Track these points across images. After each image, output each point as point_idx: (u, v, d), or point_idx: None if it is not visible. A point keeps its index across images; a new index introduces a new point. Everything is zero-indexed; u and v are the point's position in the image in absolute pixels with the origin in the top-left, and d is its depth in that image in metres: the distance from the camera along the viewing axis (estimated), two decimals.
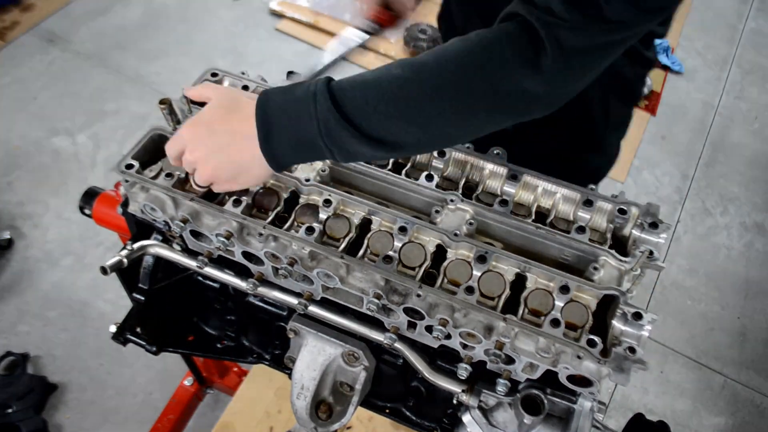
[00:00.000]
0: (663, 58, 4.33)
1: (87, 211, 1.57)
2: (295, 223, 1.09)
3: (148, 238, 1.25)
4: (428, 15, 4.39)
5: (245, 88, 1.27)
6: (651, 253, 1.02)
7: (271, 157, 0.93)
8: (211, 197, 1.12)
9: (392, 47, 4.18)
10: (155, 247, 1.23)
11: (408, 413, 1.36)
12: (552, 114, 0.93)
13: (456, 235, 1.05)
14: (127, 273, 1.32)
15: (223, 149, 0.95)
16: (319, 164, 1.16)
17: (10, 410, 2.48)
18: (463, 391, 1.11)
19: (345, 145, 0.88)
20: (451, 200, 1.10)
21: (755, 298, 3.23)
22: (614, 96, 1.34)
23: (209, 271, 1.20)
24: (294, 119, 0.88)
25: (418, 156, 1.20)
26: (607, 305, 1.01)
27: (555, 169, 1.25)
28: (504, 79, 0.85)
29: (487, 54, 0.84)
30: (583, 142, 1.43)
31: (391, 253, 1.04)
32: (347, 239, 1.07)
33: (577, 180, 1.20)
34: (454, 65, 0.85)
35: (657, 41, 4.73)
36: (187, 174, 1.13)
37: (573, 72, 0.86)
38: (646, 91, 4.07)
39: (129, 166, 1.12)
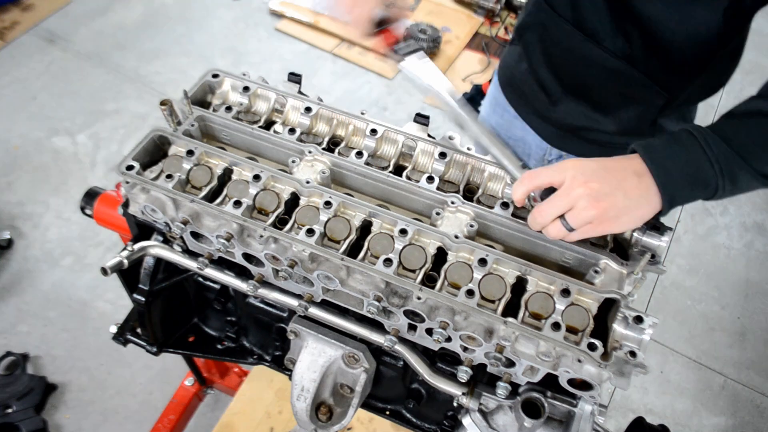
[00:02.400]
0: None
1: (88, 212, 1.58)
2: (296, 225, 1.09)
3: (148, 239, 1.25)
4: (428, 15, 4.39)
5: (246, 89, 1.26)
6: (652, 256, 1.02)
7: (669, 196, 0.97)
8: (211, 199, 1.12)
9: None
10: (156, 248, 1.23)
11: (408, 415, 1.36)
12: None
13: (457, 237, 1.05)
14: (128, 274, 1.32)
15: (620, 185, 0.95)
16: (319, 166, 1.15)
17: (10, 410, 2.49)
18: (463, 393, 1.11)
19: (739, 180, 0.98)
20: (452, 202, 1.10)
21: (755, 298, 3.23)
22: None
23: (210, 272, 1.20)
24: (690, 162, 0.97)
25: (420, 158, 1.20)
26: (608, 309, 1.01)
27: None
28: None
29: None
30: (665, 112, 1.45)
31: (391, 255, 1.04)
32: (348, 241, 1.07)
33: None
34: None
35: None
36: (188, 176, 1.13)
37: None
38: None
39: (130, 168, 1.12)
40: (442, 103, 1.16)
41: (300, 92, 1.30)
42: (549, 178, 0.98)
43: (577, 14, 1.26)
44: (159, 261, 1.30)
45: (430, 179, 1.14)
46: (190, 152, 1.15)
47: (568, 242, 1.04)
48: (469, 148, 1.19)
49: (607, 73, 1.28)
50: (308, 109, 1.23)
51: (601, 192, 0.94)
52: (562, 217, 0.97)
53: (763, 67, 4.41)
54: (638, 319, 0.96)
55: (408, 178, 1.16)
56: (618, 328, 0.96)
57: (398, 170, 1.19)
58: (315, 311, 1.15)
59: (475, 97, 3.88)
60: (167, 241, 1.25)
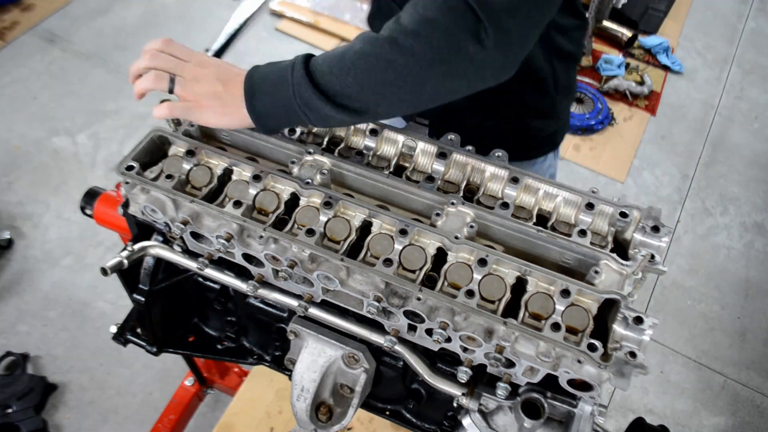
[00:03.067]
0: (663, 58, 4.34)
1: (88, 211, 1.58)
2: (296, 226, 1.09)
3: (148, 239, 1.25)
4: None
5: None
6: (652, 256, 1.02)
7: (255, 116, 1.05)
8: (211, 199, 1.12)
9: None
10: (156, 249, 1.23)
11: (408, 415, 1.36)
12: (504, 83, 1.01)
13: (457, 238, 1.05)
14: (128, 274, 1.31)
15: (215, 85, 1.06)
16: (319, 166, 1.15)
17: (10, 410, 2.49)
18: (463, 394, 1.11)
19: (316, 108, 1.00)
20: (452, 203, 1.10)
21: (755, 298, 3.23)
22: (557, 60, 1.39)
23: (209, 272, 1.20)
24: (275, 84, 1.02)
25: (420, 159, 1.20)
26: (608, 309, 1.01)
27: (512, 137, 1.43)
28: (451, 46, 0.92)
29: (431, 25, 0.92)
30: (537, 109, 1.48)
31: (391, 255, 1.04)
32: (347, 242, 1.07)
33: (536, 148, 1.41)
34: (404, 37, 0.93)
35: (657, 41, 4.69)
36: (188, 176, 1.14)
37: (510, 34, 0.93)
38: (646, 90, 4.07)
39: (129, 168, 1.12)
40: None
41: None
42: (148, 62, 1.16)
43: None
44: (159, 261, 1.30)
45: (430, 180, 1.14)
46: (190, 152, 1.16)
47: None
48: (469, 149, 1.19)
49: None
50: None
51: (197, 78, 1.07)
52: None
53: (763, 67, 4.42)
54: (638, 320, 0.96)
55: (408, 178, 1.16)
56: (618, 328, 0.96)
57: (398, 171, 1.19)
58: (315, 311, 1.16)
59: None
60: (167, 242, 1.25)
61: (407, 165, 1.20)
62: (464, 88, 0.99)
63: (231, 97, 1.05)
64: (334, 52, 1.01)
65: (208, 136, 1.27)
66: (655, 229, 1.06)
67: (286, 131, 1.22)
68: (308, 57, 1.03)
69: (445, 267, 1.04)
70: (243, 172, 1.15)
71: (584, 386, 0.98)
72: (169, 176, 1.13)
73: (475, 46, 0.91)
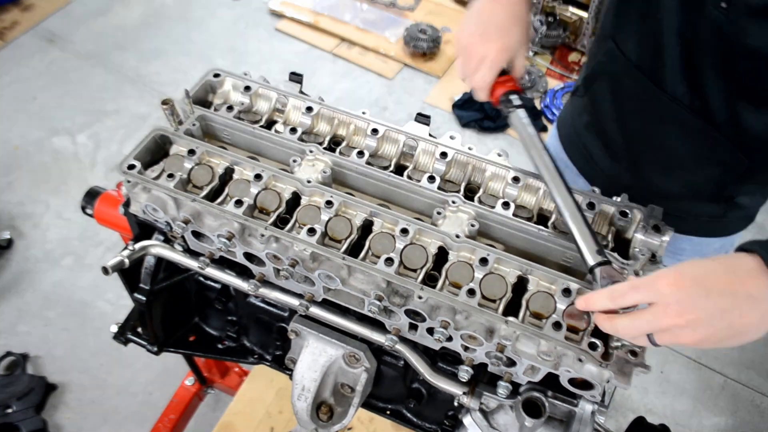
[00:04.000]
0: None
1: (89, 211, 1.58)
2: (297, 225, 1.09)
3: (149, 238, 1.25)
4: (428, 15, 4.39)
5: (247, 89, 1.27)
6: (653, 255, 1.02)
7: None
8: (213, 198, 1.12)
9: (392, 47, 4.18)
10: (157, 248, 1.23)
11: (409, 415, 1.36)
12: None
13: (458, 237, 1.05)
14: (129, 273, 1.32)
15: (725, 315, 0.80)
16: (320, 165, 1.16)
17: (10, 410, 2.49)
18: (464, 393, 1.11)
19: None
20: (453, 202, 1.10)
21: None
22: None
23: (210, 271, 1.20)
24: None
25: (421, 158, 1.20)
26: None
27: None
28: None
29: None
30: (746, 181, 1.30)
31: (392, 254, 1.04)
32: (349, 241, 1.07)
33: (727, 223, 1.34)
34: None
35: None
36: (189, 175, 1.14)
37: None
38: None
39: (131, 167, 1.12)
40: (537, 163, 1.10)
41: (301, 92, 1.30)
42: (637, 301, 0.85)
43: (653, 64, 1.15)
44: (160, 260, 1.30)
45: (431, 179, 1.14)
46: (191, 151, 1.16)
47: None
48: (470, 148, 1.19)
49: (681, 130, 1.19)
50: (309, 109, 1.23)
51: (700, 324, 0.80)
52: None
53: None
54: None
55: (409, 177, 1.16)
56: None
57: (399, 170, 1.19)
58: (316, 311, 1.16)
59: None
60: (168, 241, 1.25)
61: (408, 164, 1.21)
62: None
63: (748, 321, 0.81)
64: None
65: (209, 136, 1.27)
66: (656, 228, 1.06)
67: (286, 130, 1.22)
68: None
69: (447, 266, 1.04)
70: (244, 171, 1.15)
71: (585, 385, 0.98)
72: (170, 175, 1.13)
73: None
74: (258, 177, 1.12)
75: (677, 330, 0.82)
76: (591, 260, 0.96)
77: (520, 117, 1.14)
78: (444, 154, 1.17)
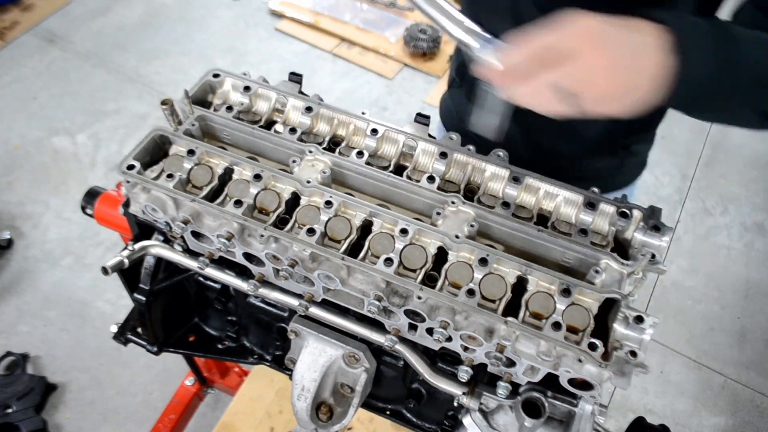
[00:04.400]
0: None
1: (89, 211, 1.58)
2: (297, 225, 1.09)
3: (149, 238, 1.25)
4: None
5: (247, 89, 1.27)
6: (653, 256, 1.02)
7: (686, 76, 0.81)
8: (212, 198, 1.12)
9: (392, 47, 4.18)
10: (156, 248, 1.23)
11: (408, 415, 1.36)
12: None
13: (457, 237, 1.05)
14: (129, 273, 1.32)
15: (624, 52, 0.78)
16: (320, 165, 1.16)
17: (10, 410, 2.49)
18: (463, 393, 1.11)
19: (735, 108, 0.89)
20: (453, 202, 1.10)
21: (755, 298, 3.23)
22: None
23: (210, 271, 1.20)
24: (712, 51, 0.82)
25: (420, 158, 1.20)
26: (609, 309, 1.01)
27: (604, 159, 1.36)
28: None
29: None
30: (635, 128, 1.33)
31: (392, 255, 1.04)
32: (348, 241, 1.07)
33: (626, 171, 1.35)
34: None
35: None
36: (189, 176, 1.14)
37: None
38: None
39: (130, 167, 1.12)
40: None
41: (301, 92, 1.30)
42: (551, 41, 0.80)
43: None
44: (160, 260, 1.30)
45: (431, 179, 1.14)
46: (190, 152, 1.16)
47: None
48: (470, 148, 1.19)
49: None
50: (309, 109, 1.23)
51: (600, 56, 0.78)
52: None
53: None
54: (639, 319, 0.96)
55: (409, 177, 1.16)
56: (618, 328, 0.97)
57: (399, 170, 1.19)
58: (315, 311, 1.16)
59: None
60: (168, 241, 1.25)
61: (408, 164, 1.21)
62: None
63: (643, 65, 0.80)
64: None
65: (209, 136, 1.27)
66: (656, 228, 1.06)
67: (286, 131, 1.22)
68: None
69: (446, 266, 1.04)
70: (244, 171, 1.15)
71: (585, 385, 0.98)
72: (170, 175, 1.13)
73: None
74: (257, 177, 1.12)
75: (599, 78, 0.79)
76: (476, 44, 0.89)
77: None
78: (443, 154, 1.17)
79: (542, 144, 1.36)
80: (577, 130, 1.29)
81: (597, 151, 1.36)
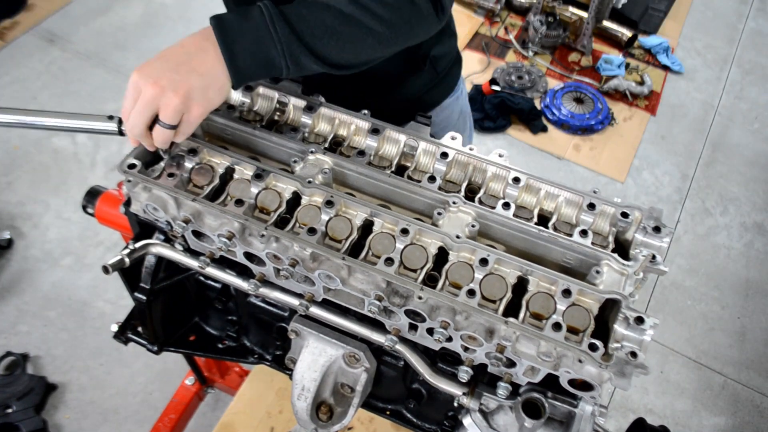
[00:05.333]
0: (663, 58, 4.34)
1: (90, 210, 1.58)
2: (297, 225, 1.09)
3: (150, 237, 1.26)
4: None
5: (248, 88, 1.26)
6: (653, 257, 1.02)
7: (235, 69, 1.03)
8: (213, 198, 1.12)
9: None
10: (157, 247, 1.23)
11: (409, 415, 1.36)
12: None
13: (458, 237, 1.05)
14: (129, 272, 1.32)
15: (184, 63, 1.00)
16: (321, 165, 1.16)
17: (10, 410, 2.49)
18: (464, 393, 1.11)
19: (302, 63, 1.06)
20: (454, 202, 1.10)
21: (755, 298, 3.23)
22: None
23: (211, 271, 1.20)
24: (257, 40, 1.03)
25: (421, 158, 1.20)
26: (609, 309, 1.01)
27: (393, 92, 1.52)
28: (422, 27, 1.17)
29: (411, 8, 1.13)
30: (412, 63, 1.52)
31: (392, 255, 1.04)
32: (349, 241, 1.07)
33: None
34: (389, 13, 1.10)
35: (657, 41, 4.69)
36: (190, 175, 1.14)
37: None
38: (646, 90, 4.08)
39: (131, 166, 1.12)
40: None
41: (302, 92, 1.30)
42: (130, 97, 1.01)
43: None
44: (160, 260, 1.30)
45: (432, 179, 1.14)
46: (192, 151, 1.16)
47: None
48: (471, 148, 1.19)
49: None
50: (310, 109, 1.23)
51: (174, 81, 0.98)
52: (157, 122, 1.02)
53: (763, 66, 4.42)
54: (639, 320, 0.96)
55: (410, 178, 1.16)
56: (619, 328, 0.97)
57: (400, 170, 1.19)
58: (316, 311, 1.16)
59: (475, 97, 3.88)
60: (168, 240, 1.25)
61: (409, 164, 1.21)
62: (409, 45, 1.19)
63: (206, 64, 1.02)
64: (309, 8, 1.06)
65: (210, 135, 1.27)
66: (656, 229, 1.06)
67: (287, 130, 1.22)
68: (279, 8, 1.04)
69: (447, 266, 1.04)
70: (245, 170, 1.15)
71: (585, 386, 0.98)
72: (171, 175, 1.13)
73: (430, 15, 1.14)
74: (258, 177, 1.12)
75: (165, 99, 0.98)
76: (111, 126, 1.18)
77: None
78: (445, 155, 1.17)
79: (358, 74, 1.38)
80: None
81: (409, 66, 1.51)
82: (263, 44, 1.03)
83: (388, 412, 1.36)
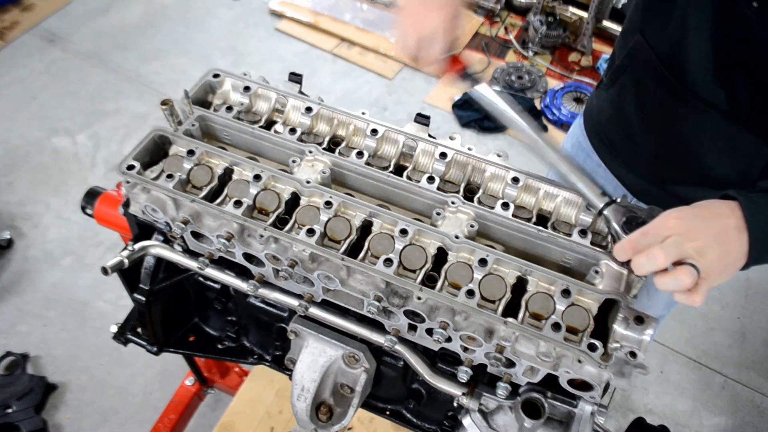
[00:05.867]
0: None
1: (89, 211, 1.58)
2: (296, 225, 1.09)
3: (149, 238, 1.25)
4: None
5: (247, 89, 1.27)
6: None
7: (756, 254, 1.00)
8: (212, 198, 1.12)
9: (392, 47, 4.18)
10: (156, 248, 1.23)
11: (408, 415, 1.36)
12: None
13: (457, 237, 1.05)
14: (129, 273, 1.32)
15: (720, 240, 0.95)
16: (320, 166, 1.15)
17: (10, 410, 2.49)
18: (463, 394, 1.11)
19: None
20: (453, 203, 1.10)
21: (755, 298, 3.23)
22: None
23: (210, 272, 1.20)
24: None
25: (420, 158, 1.20)
26: (609, 309, 1.01)
27: None
28: None
29: None
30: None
31: (391, 255, 1.04)
32: (348, 241, 1.07)
33: None
34: None
35: None
36: (189, 176, 1.14)
37: None
38: None
39: (130, 167, 1.12)
40: (516, 129, 1.13)
41: (301, 92, 1.30)
42: (650, 241, 0.94)
43: (680, 59, 1.16)
44: (159, 261, 1.30)
45: (431, 179, 1.14)
46: (190, 152, 1.16)
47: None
48: (470, 148, 1.19)
49: (705, 126, 1.21)
50: (309, 109, 1.23)
51: (707, 248, 0.93)
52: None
53: None
54: (638, 320, 0.96)
55: (408, 178, 1.16)
56: (618, 328, 0.96)
57: (399, 170, 1.19)
58: (315, 311, 1.16)
59: None
60: (168, 241, 1.25)
61: (408, 165, 1.20)
62: None
63: (734, 248, 0.97)
64: None
65: (208, 136, 1.27)
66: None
67: (285, 131, 1.22)
68: None
69: (446, 266, 1.04)
70: (244, 171, 1.15)
71: (584, 386, 0.98)
72: (169, 176, 1.13)
73: None
74: (257, 177, 1.12)
75: (698, 256, 0.92)
76: (599, 203, 1.04)
77: (486, 88, 1.15)
78: (443, 155, 1.17)
79: (669, 171, 1.39)
80: (707, 167, 1.32)
81: (721, 185, 1.33)
82: None
83: (387, 413, 1.36)
